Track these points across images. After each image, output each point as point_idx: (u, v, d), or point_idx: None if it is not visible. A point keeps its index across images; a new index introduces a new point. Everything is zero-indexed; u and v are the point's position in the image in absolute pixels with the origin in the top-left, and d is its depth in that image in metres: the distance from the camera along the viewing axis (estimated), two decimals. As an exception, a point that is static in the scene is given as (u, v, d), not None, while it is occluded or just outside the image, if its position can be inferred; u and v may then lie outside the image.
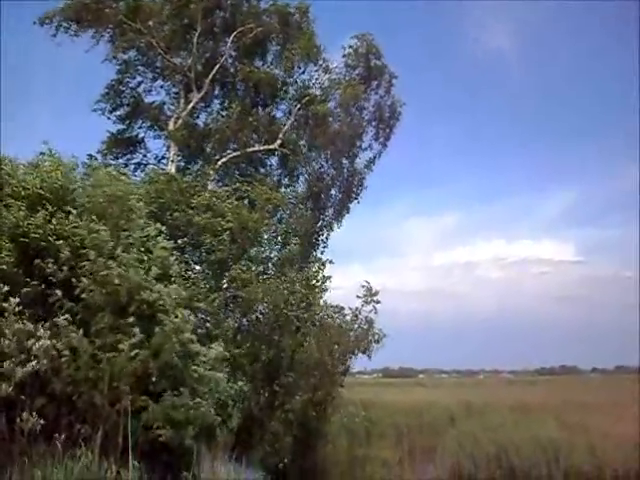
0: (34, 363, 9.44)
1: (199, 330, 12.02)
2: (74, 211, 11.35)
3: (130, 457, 9.78)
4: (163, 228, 12.65)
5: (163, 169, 21.41)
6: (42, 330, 9.72)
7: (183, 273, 14.39)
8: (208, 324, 15.46)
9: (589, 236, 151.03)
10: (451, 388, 45.44)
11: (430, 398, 30.34)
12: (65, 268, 10.57)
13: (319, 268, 19.88)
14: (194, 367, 11.18)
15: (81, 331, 10.19)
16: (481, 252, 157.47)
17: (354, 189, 24.54)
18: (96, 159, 19.83)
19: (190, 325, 11.38)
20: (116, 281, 10.43)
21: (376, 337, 18.87)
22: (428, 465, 20.29)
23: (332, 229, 24.16)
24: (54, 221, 11.04)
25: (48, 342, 9.64)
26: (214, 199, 18.02)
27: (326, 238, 23.87)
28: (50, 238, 10.85)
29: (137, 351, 10.16)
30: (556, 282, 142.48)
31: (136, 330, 10.30)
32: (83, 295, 10.47)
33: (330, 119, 23.70)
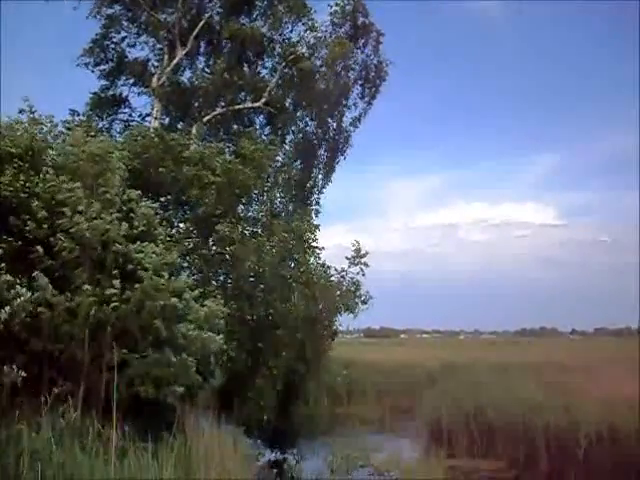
0: (6, 309, 9.30)
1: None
2: (48, 169, 11.26)
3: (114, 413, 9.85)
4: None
5: (147, 127, 21.09)
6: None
7: (167, 232, 14.23)
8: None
9: (570, 200, 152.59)
10: (432, 348, 45.93)
11: (411, 358, 30.78)
12: (45, 226, 10.56)
13: (307, 220, 19.49)
14: (180, 326, 11.12)
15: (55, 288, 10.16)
16: (463, 214, 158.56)
17: (340, 147, 24.51)
18: (78, 114, 19.64)
19: (182, 285, 11.37)
20: (87, 234, 10.44)
21: (362, 298, 18.67)
22: (408, 422, 20.66)
23: (323, 189, 24.19)
24: (22, 177, 11.01)
25: (28, 294, 9.58)
26: (205, 152, 17.75)
27: (318, 199, 23.91)
28: (22, 195, 10.87)
29: (116, 304, 10.20)
30: (537, 245, 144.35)
31: (114, 282, 10.31)
32: (63, 254, 10.47)
33: (316, 77, 23.46)
